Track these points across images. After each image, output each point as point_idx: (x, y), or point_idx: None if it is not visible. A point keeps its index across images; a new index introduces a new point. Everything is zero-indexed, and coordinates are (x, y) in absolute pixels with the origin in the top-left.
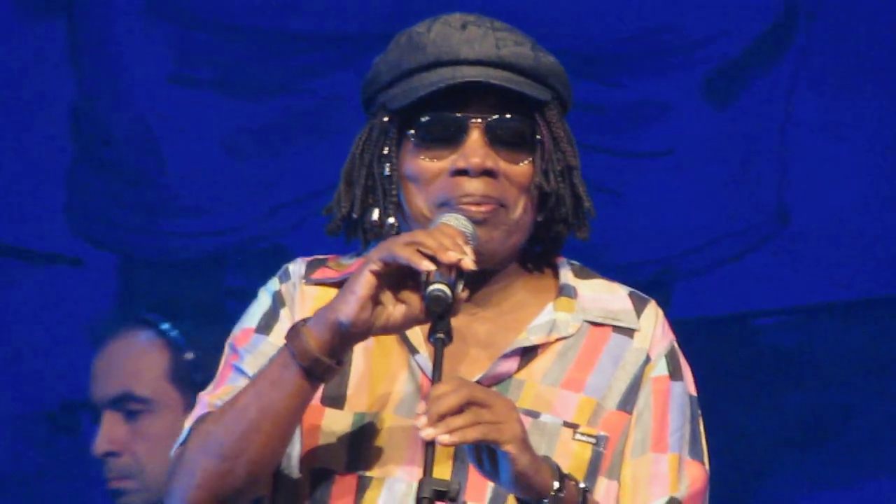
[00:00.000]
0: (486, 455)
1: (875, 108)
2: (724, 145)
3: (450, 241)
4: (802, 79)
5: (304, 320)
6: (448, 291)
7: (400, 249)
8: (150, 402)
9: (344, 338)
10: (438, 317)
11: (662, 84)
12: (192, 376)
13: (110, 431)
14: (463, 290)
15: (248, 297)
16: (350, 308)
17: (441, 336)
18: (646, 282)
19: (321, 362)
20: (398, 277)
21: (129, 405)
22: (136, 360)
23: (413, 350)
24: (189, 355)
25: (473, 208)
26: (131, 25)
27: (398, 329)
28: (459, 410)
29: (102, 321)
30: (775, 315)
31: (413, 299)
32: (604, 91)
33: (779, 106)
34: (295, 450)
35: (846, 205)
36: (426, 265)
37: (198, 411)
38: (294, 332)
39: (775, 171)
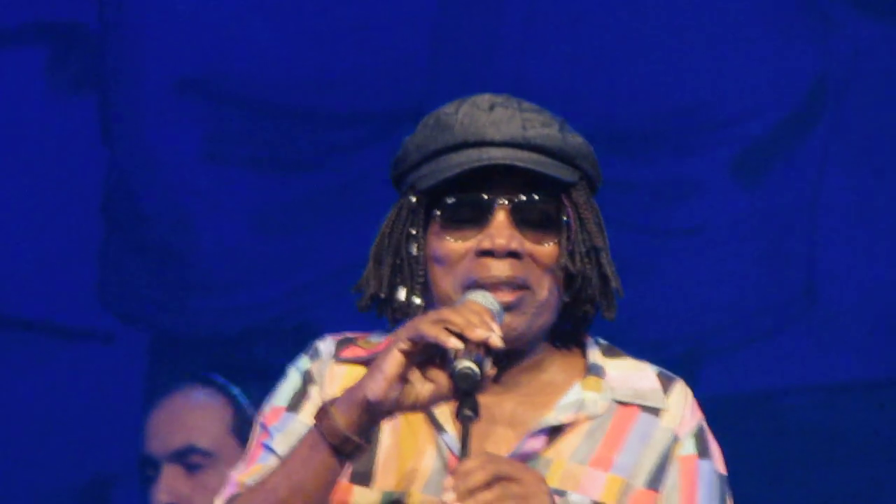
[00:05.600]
0: None
1: None
2: (754, 223)
3: (477, 318)
4: (832, 157)
5: (333, 400)
6: (476, 369)
7: (427, 328)
8: (212, 455)
9: (372, 416)
10: (465, 394)
11: (692, 162)
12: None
13: (171, 484)
14: (491, 367)
15: (278, 373)
16: (378, 386)
17: (468, 413)
18: (674, 359)
19: (350, 440)
20: (426, 355)
21: (191, 458)
22: (199, 414)
23: (440, 428)
24: (251, 411)
25: (500, 295)
26: (162, 103)
27: (426, 406)
28: (488, 486)
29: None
30: (804, 393)
31: (441, 377)
32: (634, 168)
33: (808, 184)
34: None
35: (875, 283)
36: (454, 343)
37: (228, 491)
38: (323, 412)
39: (804, 249)
